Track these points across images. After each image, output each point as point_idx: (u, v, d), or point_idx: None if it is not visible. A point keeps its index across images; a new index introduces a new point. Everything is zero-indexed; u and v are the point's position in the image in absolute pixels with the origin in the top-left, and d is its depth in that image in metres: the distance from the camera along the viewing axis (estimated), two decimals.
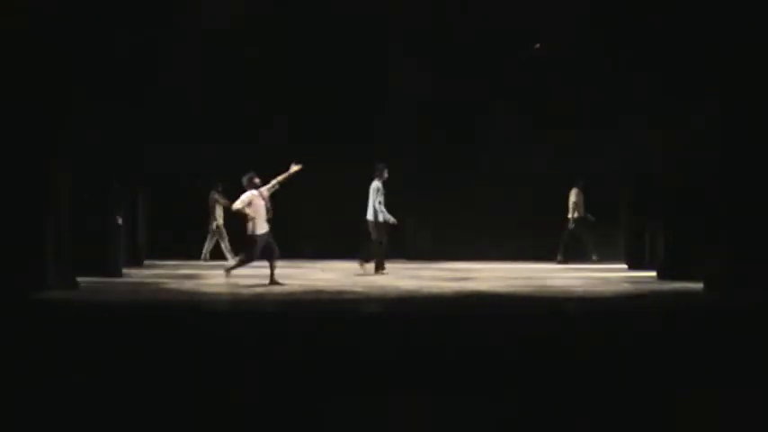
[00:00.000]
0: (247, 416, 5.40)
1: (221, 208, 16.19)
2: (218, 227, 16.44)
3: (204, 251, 16.63)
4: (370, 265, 14.12)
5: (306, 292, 11.55)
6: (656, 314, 9.94)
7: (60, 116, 11.45)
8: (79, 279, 11.64)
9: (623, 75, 14.69)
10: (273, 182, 12.31)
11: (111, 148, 13.44)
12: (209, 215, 16.43)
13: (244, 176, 12.33)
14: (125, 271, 13.61)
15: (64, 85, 11.39)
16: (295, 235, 17.55)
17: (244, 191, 12.23)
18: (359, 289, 11.96)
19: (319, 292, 11.66)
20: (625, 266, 15.63)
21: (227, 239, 16.38)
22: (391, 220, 14.11)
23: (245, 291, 11.63)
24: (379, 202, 14.01)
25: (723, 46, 11.23)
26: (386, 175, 14.20)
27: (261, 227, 12.08)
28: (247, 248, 12.25)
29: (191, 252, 16.66)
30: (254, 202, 12.03)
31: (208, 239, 16.62)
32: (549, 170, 17.38)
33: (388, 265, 15.88)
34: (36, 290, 10.55)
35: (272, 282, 12.16)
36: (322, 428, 5.29)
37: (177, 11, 13.85)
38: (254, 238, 12.05)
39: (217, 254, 16.45)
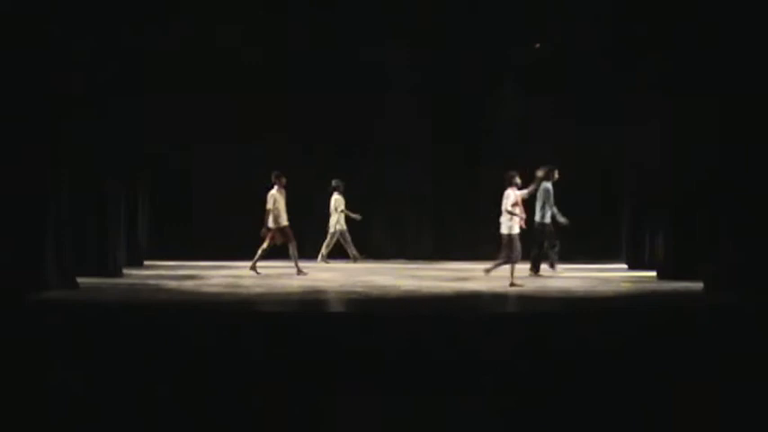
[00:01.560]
0: (248, 416, 5.40)
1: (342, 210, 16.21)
2: (340, 229, 16.31)
3: (323, 252, 16.39)
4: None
5: (306, 292, 11.55)
6: (656, 314, 9.93)
7: (61, 116, 11.45)
8: (79, 279, 11.66)
9: (623, 74, 14.70)
10: (526, 191, 12.43)
11: (112, 148, 13.45)
12: (332, 217, 16.27)
13: (507, 174, 12.31)
14: (125, 271, 13.62)
15: (64, 85, 11.39)
16: (295, 235, 17.58)
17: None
18: (359, 289, 11.95)
19: (319, 292, 11.66)
20: (625, 266, 15.63)
21: (349, 239, 16.35)
22: (563, 220, 13.92)
23: (244, 291, 11.62)
24: (548, 204, 13.72)
25: (723, 46, 11.23)
26: (556, 175, 13.91)
27: (517, 228, 12.19)
28: (509, 247, 12.23)
29: (190, 252, 16.66)
30: (519, 202, 12.18)
31: (327, 241, 16.40)
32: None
33: (388, 265, 15.89)
34: (36, 290, 10.55)
35: (512, 283, 12.18)
36: (322, 428, 5.29)
37: (177, 9, 13.88)
38: (511, 236, 12.16)
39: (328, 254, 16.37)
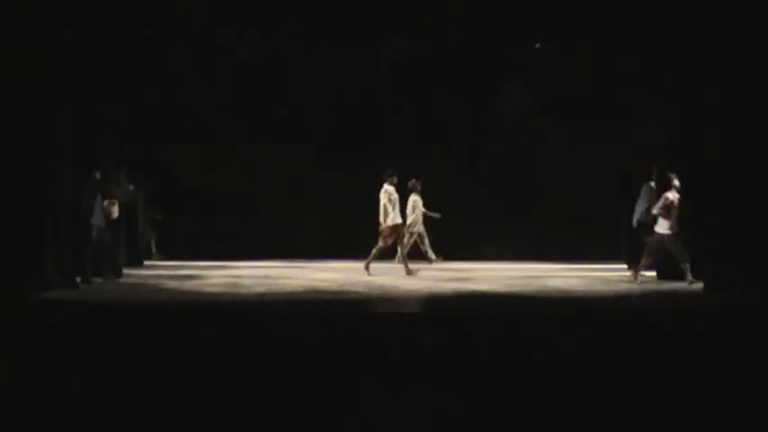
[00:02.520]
0: (249, 417, 5.40)
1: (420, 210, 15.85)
2: (418, 231, 15.99)
3: (400, 253, 15.82)
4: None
5: (306, 292, 11.55)
6: (656, 314, 9.94)
7: (61, 115, 11.45)
8: (79, 279, 11.69)
9: (625, 75, 14.70)
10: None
11: (112, 148, 13.47)
12: (409, 217, 15.81)
13: (671, 176, 12.48)
14: (125, 271, 13.62)
15: (65, 85, 11.40)
16: (296, 235, 17.59)
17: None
18: (359, 289, 11.95)
19: (319, 292, 11.65)
20: (625, 266, 15.62)
21: (426, 242, 16.12)
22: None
23: (244, 291, 11.62)
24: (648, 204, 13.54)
25: (724, 45, 11.24)
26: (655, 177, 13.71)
27: (669, 228, 12.41)
28: (676, 247, 12.46)
29: (190, 252, 16.68)
30: (673, 204, 12.37)
31: (408, 242, 15.92)
32: (549, 170, 17.40)
33: (388, 265, 15.88)
34: (36, 290, 10.55)
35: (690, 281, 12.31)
36: (323, 428, 5.29)
37: (178, 9, 13.88)
38: (662, 236, 12.42)
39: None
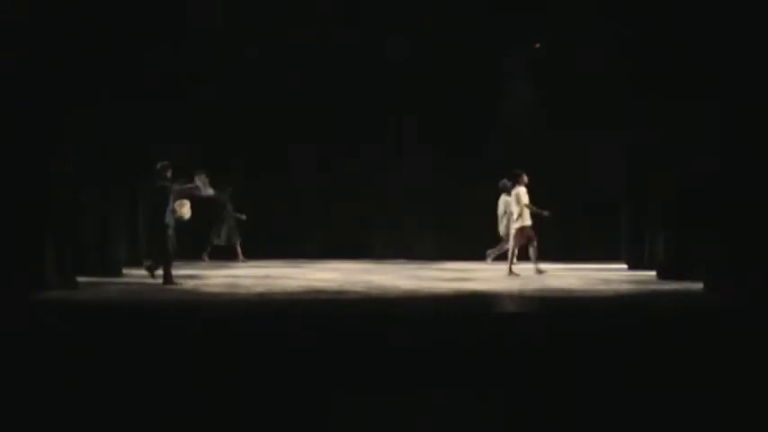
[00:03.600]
0: (249, 417, 5.41)
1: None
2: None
3: (493, 256, 15.88)
4: None
5: (306, 292, 11.55)
6: (656, 314, 9.94)
7: (61, 116, 11.46)
8: (79, 279, 11.68)
9: (625, 75, 14.71)
10: None
11: (112, 148, 13.48)
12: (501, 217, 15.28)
13: None
14: (125, 271, 13.63)
15: (65, 85, 11.40)
16: (296, 235, 17.59)
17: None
18: (359, 289, 11.95)
19: (319, 291, 11.65)
20: (625, 266, 15.63)
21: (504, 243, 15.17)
22: None
23: (244, 291, 11.62)
24: None
25: (723, 46, 11.24)
26: None
27: None
28: None
29: (191, 252, 16.66)
30: None
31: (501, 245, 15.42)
32: (549, 170, 17.39)
33: (388, 265, 15.89)
34: (36, 290, 10.55)
35: None
36: (322, 429, 5.29)
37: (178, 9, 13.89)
38: None
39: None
